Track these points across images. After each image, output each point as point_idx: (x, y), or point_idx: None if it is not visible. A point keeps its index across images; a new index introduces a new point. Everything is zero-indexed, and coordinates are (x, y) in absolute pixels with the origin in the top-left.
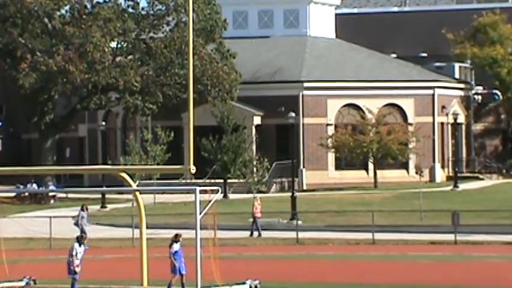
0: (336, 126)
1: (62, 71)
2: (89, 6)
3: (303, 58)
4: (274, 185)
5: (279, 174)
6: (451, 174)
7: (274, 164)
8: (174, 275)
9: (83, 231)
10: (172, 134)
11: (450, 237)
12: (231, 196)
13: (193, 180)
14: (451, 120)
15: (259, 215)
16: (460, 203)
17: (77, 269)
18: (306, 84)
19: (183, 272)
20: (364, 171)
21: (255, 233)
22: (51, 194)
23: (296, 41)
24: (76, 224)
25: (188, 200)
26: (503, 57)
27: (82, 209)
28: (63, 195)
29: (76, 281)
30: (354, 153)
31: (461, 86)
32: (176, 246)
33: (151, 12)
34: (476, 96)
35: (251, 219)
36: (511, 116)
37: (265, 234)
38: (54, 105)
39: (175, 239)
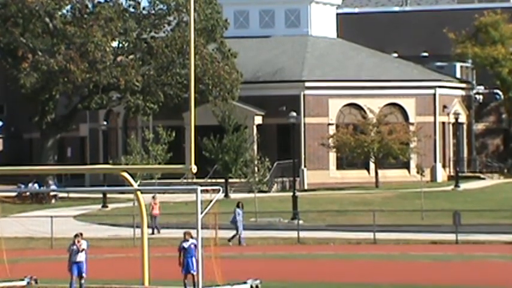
0: (337, 126)
1: (63, 71)
2: (90, 5)
3: (304, 58)
4: (276, 184)
5: (280, 174)
6: (452, 173)
7: (275, 164)
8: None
9: (238, 228)
10: (173, 134)
11: (451, 237)
12: (232, 196)
13: (195, 180)
14: (452, 120)
15: (157, 212)
16: (461, 202)
17: None
18: (307, 84)
19: (193, 272)
20: (365, 171)
21: (155, 231)
22: (52, 193)
23: (297, 40)
24: (232, 221)
25: (189, 199)
26: (505, 56)
27: (238, 206)
28: (65, 194)
29: None
30: (355, 153)
31: (463, 85)
32: (185, 244)
33: (153, 11)
34: (477, 96)
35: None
36: None
37: (266, 233)
38: (56, 105)
39: (184, 237)
